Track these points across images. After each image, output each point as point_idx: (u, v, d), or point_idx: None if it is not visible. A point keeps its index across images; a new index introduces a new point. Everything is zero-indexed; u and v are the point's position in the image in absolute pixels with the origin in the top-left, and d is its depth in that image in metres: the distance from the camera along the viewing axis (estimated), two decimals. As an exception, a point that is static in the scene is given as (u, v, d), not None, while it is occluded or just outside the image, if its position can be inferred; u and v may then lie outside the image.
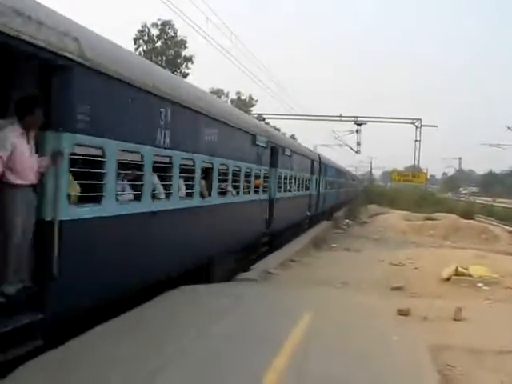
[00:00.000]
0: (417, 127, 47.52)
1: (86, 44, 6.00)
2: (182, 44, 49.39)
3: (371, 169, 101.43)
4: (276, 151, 15.97)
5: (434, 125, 49.95)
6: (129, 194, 7.42)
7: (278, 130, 44.60)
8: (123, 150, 6.90)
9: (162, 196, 8.31)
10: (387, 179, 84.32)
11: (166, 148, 8.11)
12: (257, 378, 5.60)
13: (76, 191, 6.17)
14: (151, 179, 7.80)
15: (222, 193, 11.32)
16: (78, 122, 5.93)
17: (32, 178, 5.54)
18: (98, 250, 6.53)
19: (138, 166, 7.47)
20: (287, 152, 17.69)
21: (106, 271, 6.73)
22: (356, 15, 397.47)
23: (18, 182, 5.42)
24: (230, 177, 11.73)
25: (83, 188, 6.28)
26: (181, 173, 8.84)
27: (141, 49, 48.31)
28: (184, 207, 9.13)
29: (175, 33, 48.98)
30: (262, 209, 15.00)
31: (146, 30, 48.98)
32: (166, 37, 48.97)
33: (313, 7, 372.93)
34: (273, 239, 16.57)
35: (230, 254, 12.24)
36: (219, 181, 10.95)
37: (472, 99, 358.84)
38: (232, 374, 5.73)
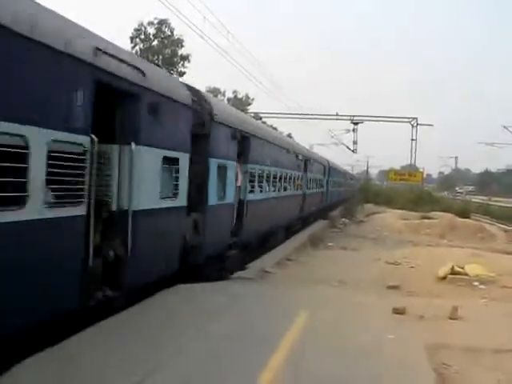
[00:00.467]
0: (413, 126, 47.62)
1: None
2: (179, 43, 49.30)
3: (368, 168, 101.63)
4: (307, 162, 23.80)
5: (430, 124, 50.15)
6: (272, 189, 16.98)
7: (275, 128, 44.62)
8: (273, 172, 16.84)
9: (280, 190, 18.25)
10: (384, 178, 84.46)
11: (276, 167, 17.33)
12: (253, 376, 5.60)
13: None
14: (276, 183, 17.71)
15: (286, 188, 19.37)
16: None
17: None
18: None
19: (280, 179, 18.20)
20: (312, 162, 25.65)
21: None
22: (354, 14, 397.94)
23: None
24: (287, 179, 19.60)
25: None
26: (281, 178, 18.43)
27: (137, 47, 48.21)
28: (285, 195, 19.15)
29: (172, 32, 48.90)
30: (298, 199, 22.56)
31: (143, 28, 48.88)
32: (162, 36, 48.87)
33: (310, 6, 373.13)
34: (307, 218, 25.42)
35: (298, 220, 23.15)
36: (285, 181, 19.09)
37: (469, 98, 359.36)
38: (229, 373, 5.74)
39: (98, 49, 6.54)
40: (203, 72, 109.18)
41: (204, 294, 9.53)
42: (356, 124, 47.34)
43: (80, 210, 6.34)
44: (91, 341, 6.32)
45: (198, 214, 10.43)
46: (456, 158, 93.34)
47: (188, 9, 51.76)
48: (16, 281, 5.35)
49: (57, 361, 5.62)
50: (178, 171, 9.02)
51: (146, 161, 7.86)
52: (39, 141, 5.47)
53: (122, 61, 7.14)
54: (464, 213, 35.52)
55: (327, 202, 32.25)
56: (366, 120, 47.81)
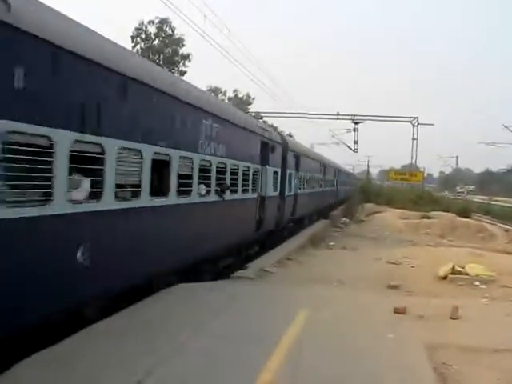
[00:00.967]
0: (414, 126, 47.59)
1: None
2: (180, 42, 49.32)
3: (368, 167, 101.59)
4: (325, 167, 31.83)
5: (431, 123, 50.11)
6: (312, 186, 26.26)
7: (276, 128, 44.59)
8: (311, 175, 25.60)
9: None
10: (384, 178, 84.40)
11: (313, 173, 26.73)
12: (252, 377, 5.58)
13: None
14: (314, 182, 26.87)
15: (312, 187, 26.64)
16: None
17: None
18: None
19: (315, 180, 27.52)
20: (328, 167, 33.29)
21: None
22: (355, 14, 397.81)
23: None
24: (319, 180, 28.59)
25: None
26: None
27: (138, 47, 48.22)
28: (318, 191, 28.31)
29: (173, 31, 48.92)
30: (320, 194, 29.84)
31: (144, 27, 48.90)
32: (163, 35, 48.88)
33: (311, 6, 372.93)
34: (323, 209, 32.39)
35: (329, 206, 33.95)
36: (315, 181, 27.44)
37: (470, 98, 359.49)
38: (228, 374, 5.72)
39: (264, 129, 15.55)
40: (204, 71, 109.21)
41: (204, 293, 9.51)
42: (357, 123, 47.33)
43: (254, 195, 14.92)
44: (90, 340, 6.31)
45: (280, 200, 18.24)
46: (457, 157, 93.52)
47: (188, 8, 51.84)
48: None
49: (56, 361, 5.61)
50: (276, 177, 17.57)
51: (269, 173, 16.45)
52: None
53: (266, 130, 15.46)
54: (464, 212, 35.46)
55: (337, 197, 40.71)
56: (367, 119, 47.82)
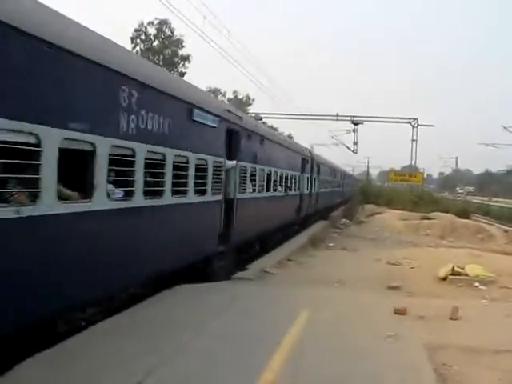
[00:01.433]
0: (413, 127, 47.65)
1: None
2: (179, 43, 49.36)
3: (368, 168, 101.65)
4: (335, 172, 38.40)
5: (431, 124, 50.15)
6: (329, 186, 34.30)
7: (276, 129, 44.65)
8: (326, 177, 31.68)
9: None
10: (384, 179, 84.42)
11: (328, 176, 33.74)
12: (254, 377, 5.61)
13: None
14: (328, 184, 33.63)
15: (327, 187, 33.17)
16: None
17: None
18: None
19: (329, 182, 34.07)
20: (336, 171, 39.25)
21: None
22: (354, 14, 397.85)
23: None
24: (331, 182, 34.93)
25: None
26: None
27: (138, 48, 48.25)
28: (329, 190, 33.84)
29: (172, 32, 48.95)
30: (334, 192, 37.53)
31: (143, 29, 48.92)
32: (163, 36, 48.91)
33: (311, 6, 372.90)
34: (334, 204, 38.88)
35: (339, 201, 42.07)
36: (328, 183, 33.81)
37: (469, 99, 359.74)
38: (229, 374, 5.75)
39: (302, 149, 21.82)
40: (203, 72, 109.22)
41: (205, 293, 9.54)
42: (356, 124, 47.35)
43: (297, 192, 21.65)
44: (91, 341, 6.34)
45: (309, 196, 24.80)
46: (456, 158, 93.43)
47: (188, 8, 51.81)
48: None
49: (57, 361, 5.63)
50: (308, 181, 24.21)
51: (305, 178, 23.37)
52: None
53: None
54: (464, 213, 35.48)
55: (343, 196, 45.97)
56: (367, 120, 47.84)
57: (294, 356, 6.37)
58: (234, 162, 12.54)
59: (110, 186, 7.02)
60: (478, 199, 62.49)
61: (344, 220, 30.66)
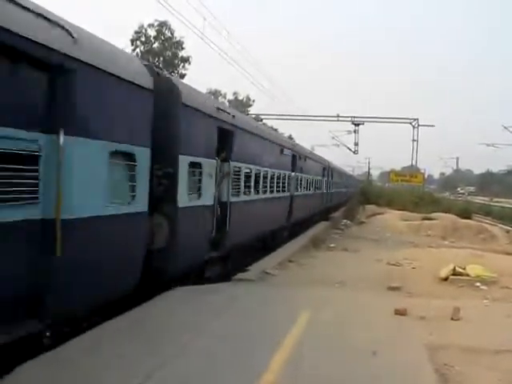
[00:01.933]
0: (414, 127, 47.70)
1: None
2: (179, 45, 49.36)
3: (369, 169, 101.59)
4: (342, 175, 46.64)
5: (432, 124, 50.20)
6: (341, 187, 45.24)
7: (276, 130, 44.67)
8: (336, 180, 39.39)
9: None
10: (385, 179, 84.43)
11: (340, 179, 44.42)
12: (254, 378, 5.60)
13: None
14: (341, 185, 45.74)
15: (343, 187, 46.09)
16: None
17: None
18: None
19: (340, 184, 44.57)
20: (341, 174, 44.54)
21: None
22: (354, 15, 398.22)
23: None
24: (340, 184, 44.54)
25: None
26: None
27: (138, 50, 48.25)
28: (338, 190, 42.78)
29: (172, 34, 48.95)
30: (342, 192, 46.26)
31: (143, 30, 48.92)
32: (163, 38, 48.91)
33: (311, 7, 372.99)
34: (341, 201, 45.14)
35: (345, 199, 48.63)
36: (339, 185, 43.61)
37: (470, 99, 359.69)
38: (230, 375, 5.74)
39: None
40: (204, 73, 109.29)
41: (205, 295, 9.53)
42: (357, 125, 47.41)
43: (324, 191, 31.44)
44: (91, 343, 6.33)
45: (327, 195, 32.68)
46: (457, 158, 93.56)
47: (187, 10, 51.93)
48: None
49: (57, 363, 5.63)
50: (326, 183, 31.84)
51: (325, 181, 31.93)
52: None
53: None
54: (465, 214, 35.43)
55: (346, 196, 49.73)
56: (367, 121, 47.94)
57: (294, 356, 6.36)
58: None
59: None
60: (479, 199, 62.42)
61: (345, 221, 30.65)
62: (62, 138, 5.81)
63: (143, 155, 7.72)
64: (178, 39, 49.39)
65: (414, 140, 47.86)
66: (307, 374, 5.95)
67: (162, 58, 48.73)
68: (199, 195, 10.18)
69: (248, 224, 13.56)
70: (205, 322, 7.63)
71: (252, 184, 13.99)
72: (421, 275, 13.01)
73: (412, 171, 51.18)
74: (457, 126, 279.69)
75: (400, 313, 8.88)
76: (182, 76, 47.49)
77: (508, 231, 30.36)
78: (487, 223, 33.70)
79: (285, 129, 64.89)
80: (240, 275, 11.86)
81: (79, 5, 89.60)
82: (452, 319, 8.75)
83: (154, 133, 7.98)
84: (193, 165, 9.75)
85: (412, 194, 46.08)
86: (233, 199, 12.20)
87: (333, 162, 39.67)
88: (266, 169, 15.46)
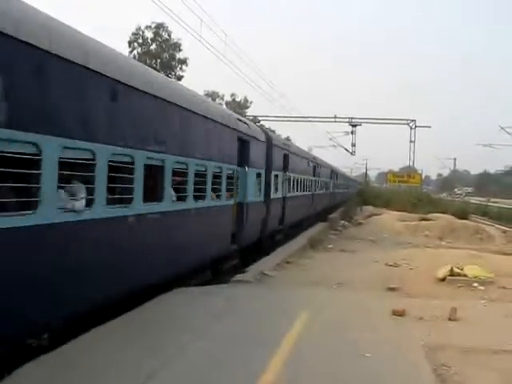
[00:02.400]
0: (411, 128, 47.79)
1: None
2: (177, 47, 49.41)
3: (366, 170, 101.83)
4: (346, 179, 57.20)
5: (428, 125, 50.28)
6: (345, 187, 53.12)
7: (274, 131, 44.69)
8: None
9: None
10: (383, 180, 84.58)
11: (347, 182, 58.35)
12: (254, 378, 5.62)
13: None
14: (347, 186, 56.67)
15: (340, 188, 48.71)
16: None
17: None
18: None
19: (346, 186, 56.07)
20: (344, 178, 52.20)
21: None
22: (353, 16, 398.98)
23: None
24: (347, 186, 56.65)
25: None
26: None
27: (135, 52, 48.28)
28: (345, 191, 53.10)
29: (169, 35, 49.01)
30: (346, 191, 53.44)
31: (141, 32, 48.98)
32: (160, 39, 48.96)
33: (311, 8, 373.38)
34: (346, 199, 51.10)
35: (347, 197, 53.75)
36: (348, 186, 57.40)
37: (467, 100, 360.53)
38: (230, 375, 5.77)
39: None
40: (201, 75, 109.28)
41: (204, 296, 9.55)
42: (354, 126, 47.50)
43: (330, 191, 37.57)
44: (92, 344, 6.34)
45: (332, 194, 38.77)
46: (454, 159, 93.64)
47: (185, 11, 51.92)
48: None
49: (58, 364, 5.65)
50: (331, 184, 37.34)
51: (332, 182, 38.24)
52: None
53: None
54: (462, 214, 35.48)
55: (347, 195, 52.57)
56: (365, 122, 48.05)
57: (293, 357, 6.38)
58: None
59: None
60: (476, 200, 62.48)
61: (342, 222, 30.68)
62: (246, 168, 14.00)
63: (263, 172, 16.26)
64: (175, 41, 49.42)
65: (411, 141, 48.05)
66: (306, 374, 5.98)
67: (159, 60, 48.72)
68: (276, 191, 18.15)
69: (294, 212, 22.20)
70: (204, 324, 7.66)
71: (296, 186, 22.38)
72: (418, 276, 13.04)
73: (410, 172, 51.27)
74: (454, 127, 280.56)
75: (398, 313, 8.91)
76: (180, 78, 47.48)
77: (505, 231, 30.42)
78: (484, 223, 33.77)
79: (282, 130, 65.07)
80: (238, 277, 11.90)
81: (77, 5, 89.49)
82: (450, 319, 8.79)
83: (266, 161, 16.62)
84: (276, 176, 17.96)
85: (409, 194, 46.14)
86: (288, 194, 20.31)
87: (334, 165, 43.61)
88: (301, 176, 23.97)
